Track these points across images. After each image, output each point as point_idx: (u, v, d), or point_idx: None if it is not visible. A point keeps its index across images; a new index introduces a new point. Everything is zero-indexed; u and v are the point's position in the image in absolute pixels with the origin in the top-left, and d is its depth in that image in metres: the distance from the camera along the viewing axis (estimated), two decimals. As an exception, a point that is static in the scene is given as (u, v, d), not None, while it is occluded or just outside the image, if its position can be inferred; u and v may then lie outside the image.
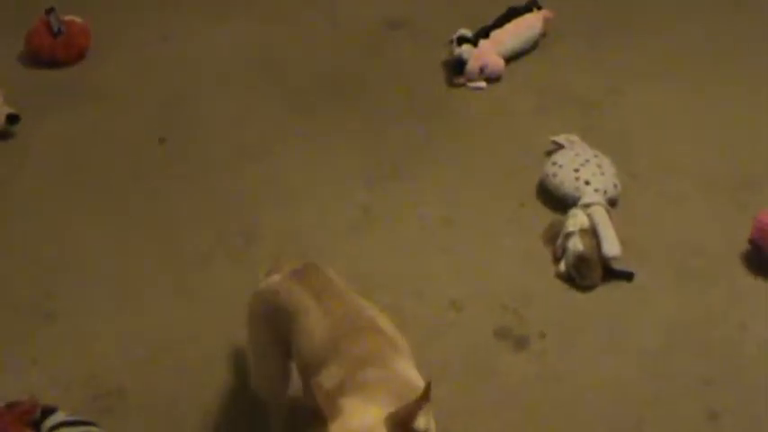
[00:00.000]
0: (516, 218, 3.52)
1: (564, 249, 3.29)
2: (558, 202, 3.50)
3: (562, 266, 3.27)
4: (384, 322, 2.32)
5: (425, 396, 1.90)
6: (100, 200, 3.61)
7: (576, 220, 3.31)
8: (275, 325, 2.42)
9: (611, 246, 3.22)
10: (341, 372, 2.11)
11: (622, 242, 3.23)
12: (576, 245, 3.22)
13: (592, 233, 3.26)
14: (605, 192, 3.44)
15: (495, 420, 2.81)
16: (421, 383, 2.09)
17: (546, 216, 3.49)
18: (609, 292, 3.21)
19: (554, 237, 3.38)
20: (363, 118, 4.04)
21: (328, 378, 2.10)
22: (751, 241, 3.24)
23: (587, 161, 3.53)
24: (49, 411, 2.46)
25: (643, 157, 3.75)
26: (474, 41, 4.20)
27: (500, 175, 3.70)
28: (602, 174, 3.50)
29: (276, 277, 2.49)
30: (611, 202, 3.45)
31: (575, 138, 3.70)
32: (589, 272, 3.21)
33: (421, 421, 1.91)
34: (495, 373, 2.96)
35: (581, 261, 3.21)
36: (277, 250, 3.33)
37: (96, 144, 3.91)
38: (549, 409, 2.85)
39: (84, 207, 3.57)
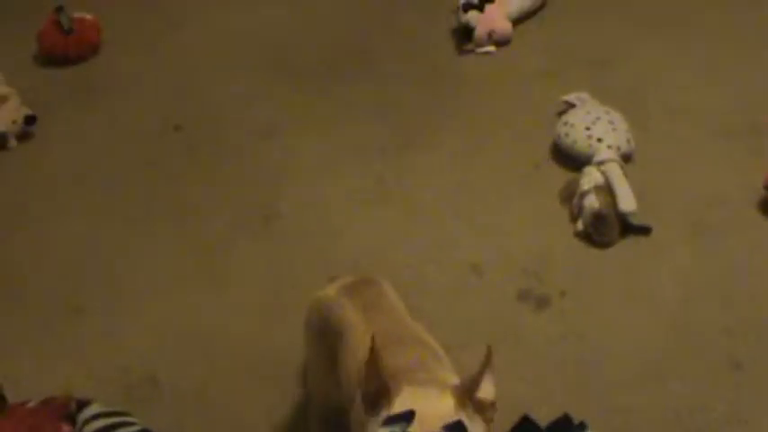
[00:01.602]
0: (531, 180, 3.54)
1: (580, 208, 3.31)
2: (573, 161, 3.52)
3: (579, 225, 3.30)
4: (428, 336, 2.32)
5: (488, 362, 1.92)
6: (121, 192, 3.67)
7: (591, 177, 3.33)
8: (326, 340, 2.41)
9: (627, 201, 3.24)
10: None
11: (638, 197, 3.25)
12: (592, 203, 3.24)
13: (607, 190, 3.28)
14: (618, 148, 3.46)
15: (522, 382, 2.84)
16: None
17: (561, 176, 3.52)
18: (627, 248, 3.23)
19: (570, 196, 3.40)
20: (373, 91, 4.07)
21: None
22: (766, 187, 3.24)
23: (598, 118, 3.55)
24: (83, 404, 2.50)
25: (655, 111, 3.77)
26: (480, 7, 4.20)
27: (513, 138, 3.73)
28: (615, 130, 3.51)
29: (330, 290, 2.49)
30: (625, 158, 3.46)
31: (585, 96, 3.71)
32: (606, 229, 3.24)
33: (486, 389, 1.92)
34: (519, 334, 3.00)
35: (598, 219, 3.23)
36: (296, 227, 3.37)
37: (114, 137, 3.97)
38: (574, 367, 2.88)
39: (105, 200, 3.64)
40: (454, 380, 2.12)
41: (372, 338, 1.91)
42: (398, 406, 1.85)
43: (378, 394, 1.89)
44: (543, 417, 2.72)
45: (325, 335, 2.41)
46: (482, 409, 1.89)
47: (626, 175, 3.31)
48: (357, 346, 2.25)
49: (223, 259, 3.33)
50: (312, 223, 3.42)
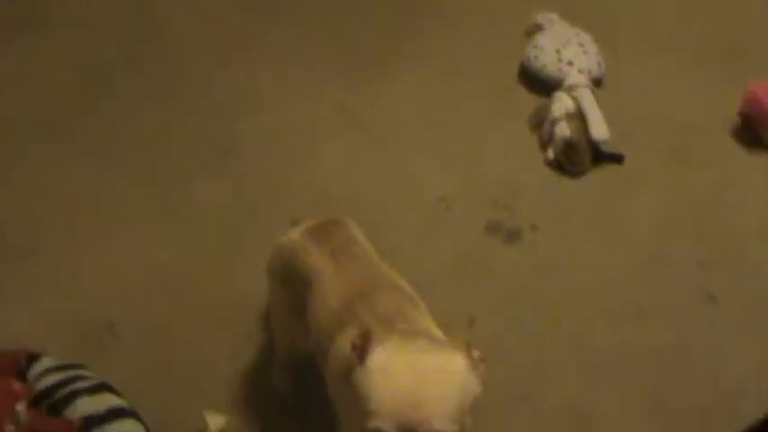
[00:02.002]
0: (501, 107, 3.41)
1: (551, 135, 3.20)
2: (542, 85, 3.39)
3: (550, 153, 3.19)
4: (402, 281, 2.22)
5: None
6: (73, 127, 3.47)
7: (562, 104, 3.21)
8: (292, 286, 2.30)
9: (599, 129, 3.14)
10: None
11: (610, 124, 3.16)
12: (563, 130, 3.14)
13: (578, 117, 3.17)
14: (590, 71, 3.34)
15: (497, 317, 2.77)
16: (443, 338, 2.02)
17: (531, 102, 3.39)
18: (599, 177, 3.14)
19: (540, 122, 3.29)
20: (334, 17, 3.88)
21: (345, 342, 1.95)
22: (741, 114, 3.16)
23: (568, 41, 3.42)
24: (34, 358, 2.38)
25: (626, 34, 3.63)
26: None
27: (481, 64, 3.57)
28: (585, 53, 3.39)
29: (295, 234, 2.36)
30: (596, 82, 3.35)
31: (554, 16, 3.57)
32: (578, 157, 3.14)
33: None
34: (491, 269, 2.91)
35: (569, 147, 3.13)
36: (257, 160, 3.24)
37: (63, 70, 3.73)
38: (547, 301, 2.81)
39: (56, 135, 3.43)
40: (435, 329, 2.04)
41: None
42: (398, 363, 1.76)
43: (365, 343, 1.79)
44: (516, 353, 2.69)
45: (291, 282, 2.30)
46: (476, 365, 1.80)
47: (597, 100, 3.20)
48: (327, 293, 2.15)
49: (181, 195, 3.16)
50: (273, 157, 3.26)
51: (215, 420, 2.52)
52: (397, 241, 2.93)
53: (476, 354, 1.80)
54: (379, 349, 1.76)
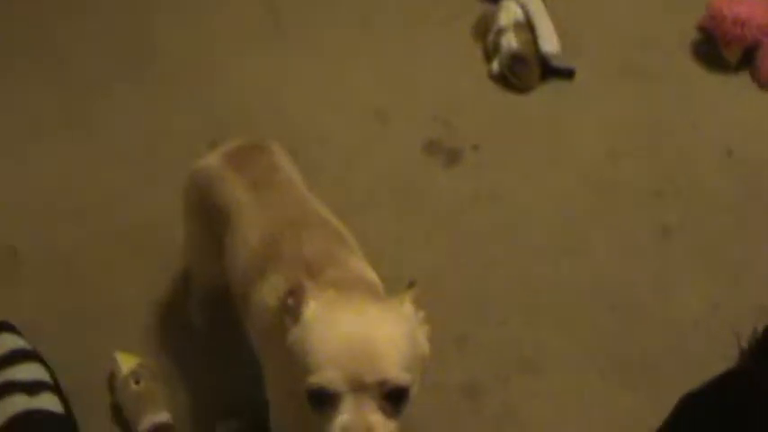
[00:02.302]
0: (443, 13, 3.14)
1: (496, 46, 2.96)
2: (488, -10, 3.13)
3: (495, 66, 2.96)
4: (329, 214, 1.97)
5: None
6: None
7: (509, 13, 2.96)
8: (208, 219, 2.04)
9: (549, 41, 2.91)
10: (285, 282, 1.73)
11: (560, 36, 2.92)
12: (510, 42, 2.90)
13: (527, 27, 2.93)
14: (540, -23, 3.08)
15: (429, 249, 2.58)
16: (378, 281, 1.81)
17: (475, 9, 3.13)
18: (547, 94, 2.92)
19: (485, 32, 3.04)
20: None
21: (270, 291, 1.75)
22: (702, 29, 2.94)
23: (516, -59, 3.15)
24: None
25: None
26: None
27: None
28: (535, -44, 3.13)
29: (212, 159, 2.08)
30: (546, -11, 3.09)
31: None
32: (525, 71, 2.91)
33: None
34: (427, 194, 2.70)
35: (516, 60, 2.89)
36: (177, 70, 2.94)
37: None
38: (486, 232, 2.61)
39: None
40: (369, 273, 1.83)
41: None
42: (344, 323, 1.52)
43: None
44: (455, 290, 2.50)
45: (208, 214, 2.04)
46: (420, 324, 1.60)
47: (548, 10, 2.96)
48: (247, 230, 1.91)
49: (93, 105, 2.85)
50: (194, 63, 2.95)
51: (127, 362, 2.30)
52: (325, 160, 2.73)
53: (420, 314, 1.59)
54: (314, 304, 1.54)
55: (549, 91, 2.92)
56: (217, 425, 2.23)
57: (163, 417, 2.25)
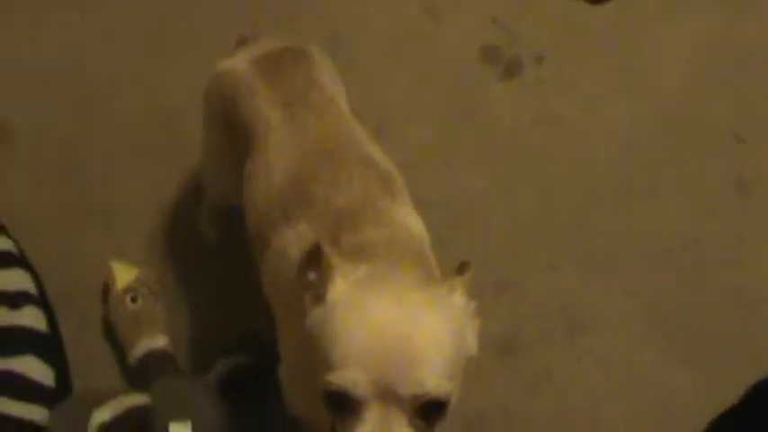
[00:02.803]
0: None
1: (572, -58, 2.59)
2: None
3: (569, -34, 2.59)
4: (376, 149, 1.63)
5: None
6: None
7: None
8: (231, 132, 1.71)
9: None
10: (314, 233, 1.43)
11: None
12: (589, -60, 2.53)
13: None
14: None
15: (475, 172, 2.28)
16: (424, 233, 1.51)
17: None
18: (625, 7, 2.53)
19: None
20: None
21: (294, 241, 1.45)
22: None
23: None
24: None
25: None
26: None
27: None
28: None
29: (240, 61, 1.73)
30: None
31: None
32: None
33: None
34: (478, 107, 2.38)
35: (595, -39, 2.53)
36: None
37: None
38: (542, 163, 2.31)
39: None
40: (414, 223, 1.51)
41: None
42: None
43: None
44: (500, 224, 2.21)
45: (231, 126, 1.71)
46: (470, 318, 1.30)
47: None
48: (273, 160, 1.58)
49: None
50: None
51: (123, 274, 2.05)
52: (365, 55, 2.41)
53: (472, 305, 1.30)
54: (343, 283, 1.23)
55: (627, 3, 2.54)
56: (218, 360, 1.97)
57: (160, 342, 2.00)
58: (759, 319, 2.12)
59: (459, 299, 1.27)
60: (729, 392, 1.92)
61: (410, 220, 1.52)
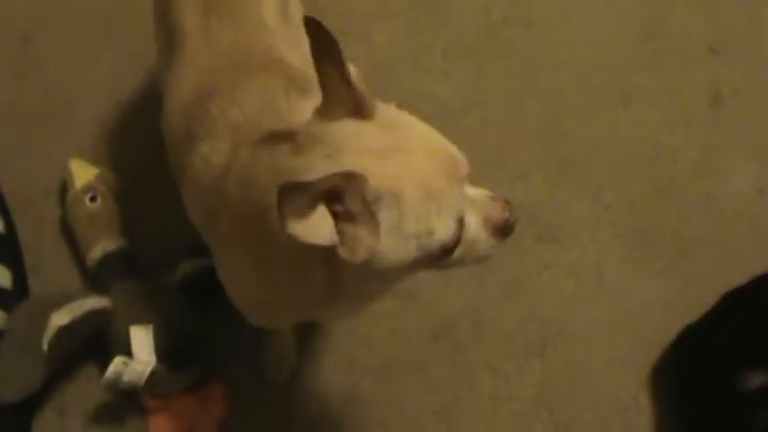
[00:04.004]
0: None
1: None
2: None
3: None
4: (295, 53, 1.48)
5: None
6: None
7: None
8: (167, 33, 1.58)
9: None
10: (212, 153, 1.36)
11: None
12: None
13: None
14: None
15: (445, 75, 2.22)
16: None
17: None
18: None
19: None
20: None
21: (201, 165, 1.38)
22: None
23: None
24: None
25: None
26: None
27: None
28: None
29: None
30: None
31: None
32: None
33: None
34: (450, 7, 2.30)
35: None
36: None
37: None
38: (515, 66, 2.25)
39: None
40: None
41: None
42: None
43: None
44: (470, 128, 2.15)
45: (166, 29, 1.59)
46: None
47: None
48: (183, 74, 1.49)
49: None
50: None
51: (82, 173, 1.96)
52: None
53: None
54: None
55: None
56: (181, 262, 1.91)
57: (119, 243, 1.93)
58: (731, 230, 2.10)
59: None
60: (700, 302, 1.94)
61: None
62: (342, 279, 1.21)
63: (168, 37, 1.56)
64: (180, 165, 1.46)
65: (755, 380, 1.78)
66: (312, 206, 1.06)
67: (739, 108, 2.22)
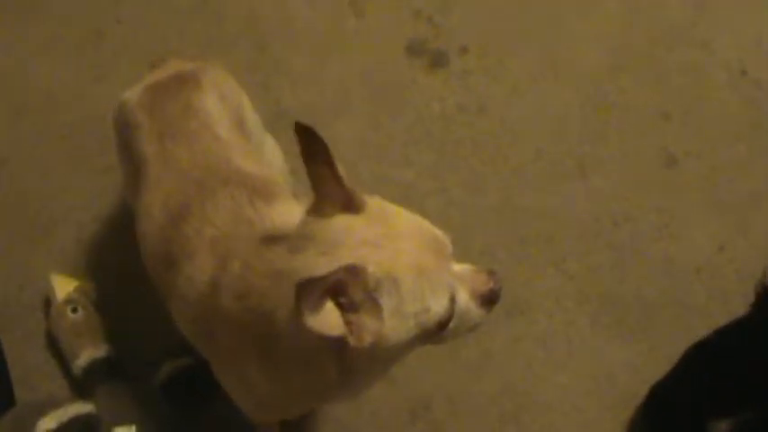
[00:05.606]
0: None
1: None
2: None
3: (489, -42, 2.63)
4: (250, 161, 1.61)
5: None
6: None
7: None
8: (129, 159, 1.70)
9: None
10: (200, 272, 1.45)
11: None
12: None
13: None
14: None
15: (407, 163, 2.31)
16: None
17: None
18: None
19: None
20: None
21: (187, 285, 1.47)
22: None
23: None
24: None
25: None
26: None
27: None
28: None
29: (133, 93, 1.72)
30: None
31: None
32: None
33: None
34: (407, 100, 2.41)
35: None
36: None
37: None
38: (472, 150, 2.34)
39: None
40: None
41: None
42: None
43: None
44: (432, 211, 2.23)
45: (128, 153, 1.71)
46: None
47: None
48: (151, 198, 1.59)
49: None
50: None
51: (63, 286, 2.05)
52: (295, 56, 2.44)
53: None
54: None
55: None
56: (163, 362, 1.99)
57: (103, 350, 2.01)
58: (691, 289, 2.17)
59: None
60: (668, 361, 1.99)
61: (294, 215, 1.42)
62: (351, 364, 1.31)
63: (132, 165, 1.67)
64: (164, 284, 1.55)
65: (721, 428, 1.84)
66: (323, 300, 1.17)
67: (693, 168, 2.32)
